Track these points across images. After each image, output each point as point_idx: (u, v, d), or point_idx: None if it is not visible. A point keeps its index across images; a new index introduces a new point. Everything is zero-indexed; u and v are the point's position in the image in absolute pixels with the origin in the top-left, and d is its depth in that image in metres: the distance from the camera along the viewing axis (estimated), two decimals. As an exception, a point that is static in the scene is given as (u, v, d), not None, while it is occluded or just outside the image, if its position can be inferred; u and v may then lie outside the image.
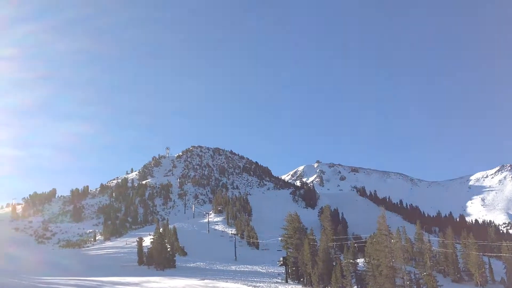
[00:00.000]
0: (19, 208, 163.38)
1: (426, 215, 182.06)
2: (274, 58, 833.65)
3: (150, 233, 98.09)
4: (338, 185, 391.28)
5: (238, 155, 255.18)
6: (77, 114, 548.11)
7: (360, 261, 55.31)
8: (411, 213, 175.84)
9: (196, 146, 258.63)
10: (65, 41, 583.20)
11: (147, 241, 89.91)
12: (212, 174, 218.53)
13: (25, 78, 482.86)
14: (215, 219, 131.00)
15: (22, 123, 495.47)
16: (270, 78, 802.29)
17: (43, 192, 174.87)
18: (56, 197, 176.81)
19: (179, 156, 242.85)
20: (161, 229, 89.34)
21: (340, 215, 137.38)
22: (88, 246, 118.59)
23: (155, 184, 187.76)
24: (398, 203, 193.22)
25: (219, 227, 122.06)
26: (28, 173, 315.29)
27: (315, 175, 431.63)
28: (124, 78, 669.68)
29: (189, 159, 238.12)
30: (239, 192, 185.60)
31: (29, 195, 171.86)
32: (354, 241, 63.12)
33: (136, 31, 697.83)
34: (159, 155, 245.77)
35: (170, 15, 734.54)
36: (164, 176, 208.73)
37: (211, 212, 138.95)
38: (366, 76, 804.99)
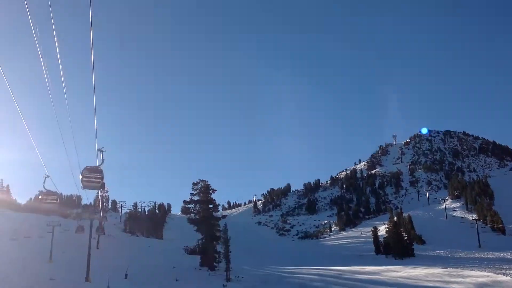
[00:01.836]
0: (259, 204, 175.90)
1: None
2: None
3: (384, 222, 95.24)
4: None
5: (472, 135, 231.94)
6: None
7: None
8: None
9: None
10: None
11: (382, 230, 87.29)
12: (444, 158, 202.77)
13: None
14: (452, 205, 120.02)
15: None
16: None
17: (279, 188, 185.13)
18: (291, 191, 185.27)
19: (406, 143, 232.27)
20: (395, 217, 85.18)
21: None
22: (324, 237, 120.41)
23: (385, 172, 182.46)
24: None
25: (458, 213, 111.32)
26: (264, 169, 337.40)
27: None
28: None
29: (418, 145, 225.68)
30: (477, 175, 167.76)
31: (267, 191, 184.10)
32: None
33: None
34: (385, 143, 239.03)
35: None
36: (393, 164, 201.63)
37: (447, 198, 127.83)
38: None
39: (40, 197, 19.17)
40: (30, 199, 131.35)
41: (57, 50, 8.98)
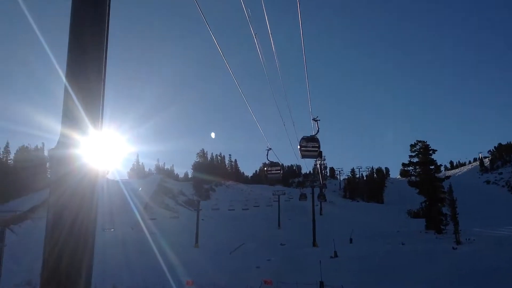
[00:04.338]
0: (486, 161, 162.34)
1: None
2: None
3: None
4: None
5: None
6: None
7: None
8: None
9: None
10: None
11: None
12: None
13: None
14: None
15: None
16: None
17: (508, 142, 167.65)
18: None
19: None
20: None
21: None
22: None
23: None
24: None
25: None
26: (489, 123, 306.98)
27: None
28: None
29: None
30: None
31: (494, 146, 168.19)
32: None
33: None
34: None
35: None
36: None
37: None
38: None
39: (265, 168, 20.21)
40: (256, 171, 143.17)
41: (268, 27, 8.89)
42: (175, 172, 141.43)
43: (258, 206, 77.61)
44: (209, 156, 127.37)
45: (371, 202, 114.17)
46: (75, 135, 3.03)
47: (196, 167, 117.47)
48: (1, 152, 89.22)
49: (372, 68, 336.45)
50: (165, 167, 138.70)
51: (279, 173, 19.17)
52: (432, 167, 68.66)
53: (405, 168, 73.09)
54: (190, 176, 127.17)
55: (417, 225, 67.03)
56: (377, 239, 57.67)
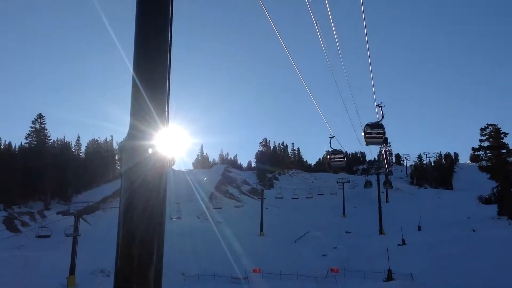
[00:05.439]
0: None
1: None
2: None
3: None
4: None
5: None
6: None
7: None
8: None
9: None
10: None
11: None
12: None
13: None
14: None
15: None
16: None
17: None
18: None
19: None
20: None
21: None
22: None
23: None
24: None
25: None
26: None
27: None
28: None
29: None
30: None
31: None
32: None
33: None
34: None
35: None
36: None
37: None
38: None
39: (328, 156, 20.10)
40: (319, 159, 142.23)
41: (329, 13, 8.78)
42: (239, 161, 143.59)
43: (322, 194, 77.05)
44: (272, 145, 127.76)
45: (440, 188, 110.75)
46: (144, 127, 3.16)
47: (259, 156, 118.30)
48: (73, 146, 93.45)
49: (439, 49, 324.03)
50: (229, 157, 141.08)
51: (342, 160, 18.95)
52: (504, 151, 65.71)
53: (475, 153, 70.33)
54: (253, 165, 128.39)
55: (489, 211, 64.44)
56: (447, 226, 55.95)
